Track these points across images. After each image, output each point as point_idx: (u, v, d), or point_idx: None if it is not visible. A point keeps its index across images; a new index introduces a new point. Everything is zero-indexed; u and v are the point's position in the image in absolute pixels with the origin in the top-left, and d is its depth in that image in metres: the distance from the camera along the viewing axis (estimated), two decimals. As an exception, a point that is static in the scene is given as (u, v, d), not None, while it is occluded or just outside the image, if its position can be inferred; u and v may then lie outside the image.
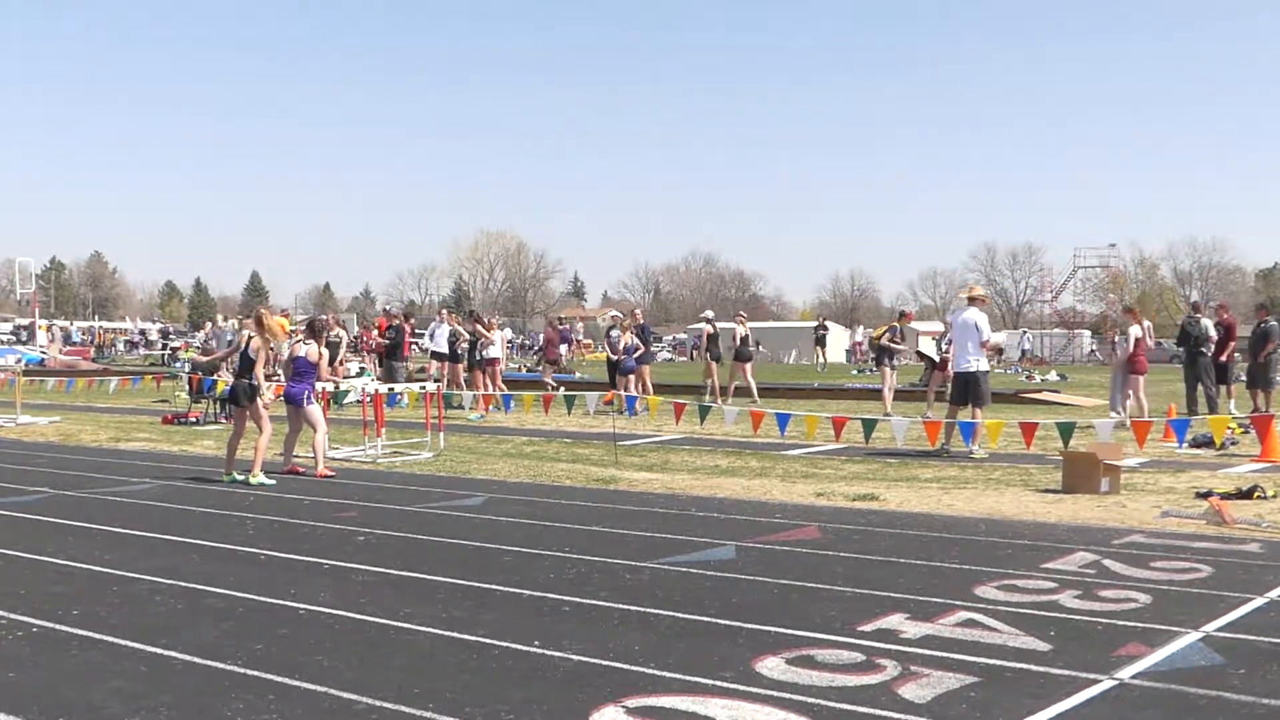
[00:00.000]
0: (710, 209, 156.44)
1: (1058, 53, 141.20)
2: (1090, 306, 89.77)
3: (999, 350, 54.06)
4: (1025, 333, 61.96)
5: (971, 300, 15.40)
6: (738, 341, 24.53)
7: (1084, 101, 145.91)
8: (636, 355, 23.17)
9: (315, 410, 13.56)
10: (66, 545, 9.03)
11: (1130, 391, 18.42)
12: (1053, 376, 36.69)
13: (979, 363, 14.90)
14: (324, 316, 20.75)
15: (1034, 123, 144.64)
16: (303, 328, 25.89)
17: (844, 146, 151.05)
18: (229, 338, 26.11)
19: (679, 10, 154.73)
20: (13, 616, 6.67)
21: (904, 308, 30.11)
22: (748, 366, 24.35)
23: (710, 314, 27.19)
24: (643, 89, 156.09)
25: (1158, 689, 5.13)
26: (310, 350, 13.69)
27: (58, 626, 6.45)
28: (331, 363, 26.96)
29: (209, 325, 31.13)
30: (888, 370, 21.54)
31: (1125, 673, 5.36)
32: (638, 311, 25.31)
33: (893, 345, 21.54)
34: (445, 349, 24.26)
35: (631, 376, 22.89)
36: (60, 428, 20.52)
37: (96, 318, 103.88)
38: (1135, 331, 18.60)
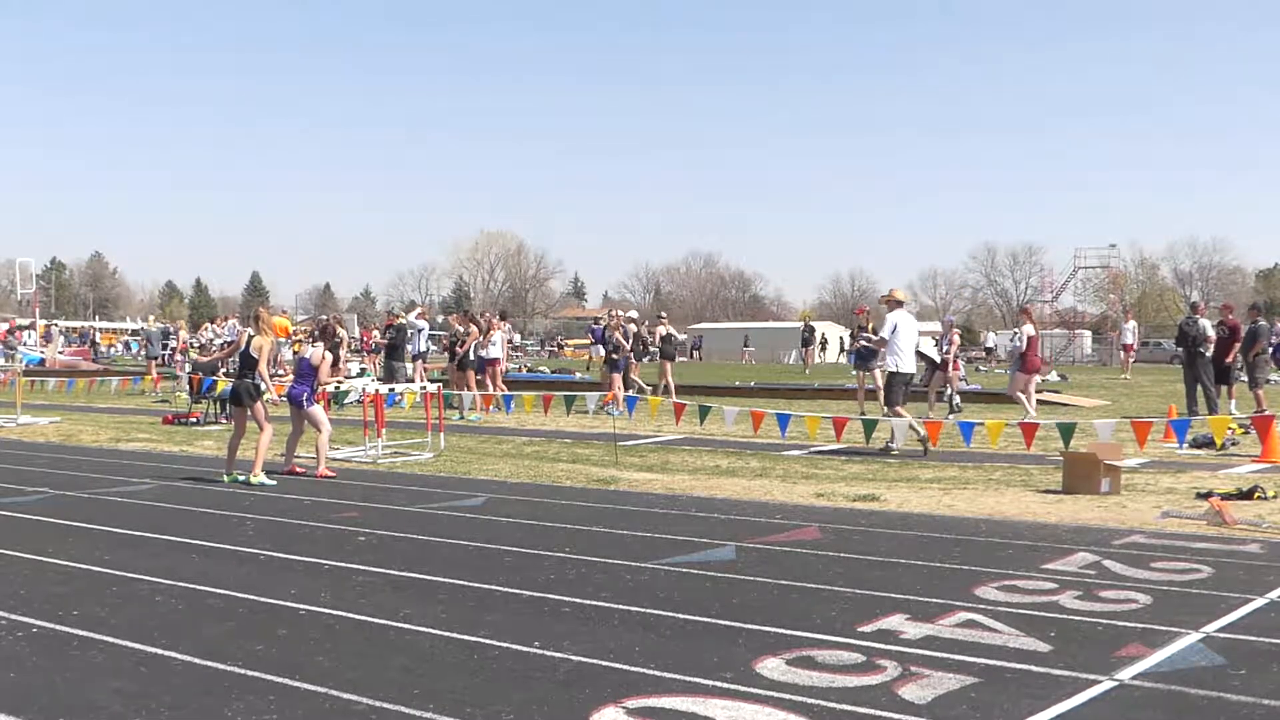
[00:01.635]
0: (710, 209, 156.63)
1: (1058, 52, 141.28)
2: (1091, 307, 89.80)
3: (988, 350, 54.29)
4: (1015, 334, 62.09)
5: (900, 304, 15.80)
6: (660, 341, 25.67)
7: (1084, 101, 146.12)
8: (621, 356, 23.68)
9: (317, 410, 13.57)
10: (67, 545, 9.03)
11: (1025, 389, 18.93)
12: (1053, 377, 36.67)
13: None
14: (324, 317, 20.75)
15: (1034, 122, 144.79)
16: (305, 330, 25.97)
17: (844, 146, 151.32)
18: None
19: (679, 10, 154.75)
20: (13, 617, 6.67)
21: (863, 305, 30.44)
22: (669, 365, 25.37)
23: (634, 314, 28.01)
24: (643, 89, 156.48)
25: (1158, 690, 5.13)
26: (314, 353, 13.71)
27: (58, 627, 6.45)
28: (334, 363, 27.08)
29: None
30: (862, 372, 21.66)
31: (1126, 673, 5.36)
32: (619, 313, 25.89)
33: (861, 345, 21.67)
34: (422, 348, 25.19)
35: (617, 375, 23.28)
36: (60, 428, 20.52)
37: (97, 318, 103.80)
38: (1028, 330, 19.05)
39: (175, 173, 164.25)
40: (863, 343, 21.53)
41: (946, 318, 21.14)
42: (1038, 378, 19.53)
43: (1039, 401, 23.86)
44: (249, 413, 13.09)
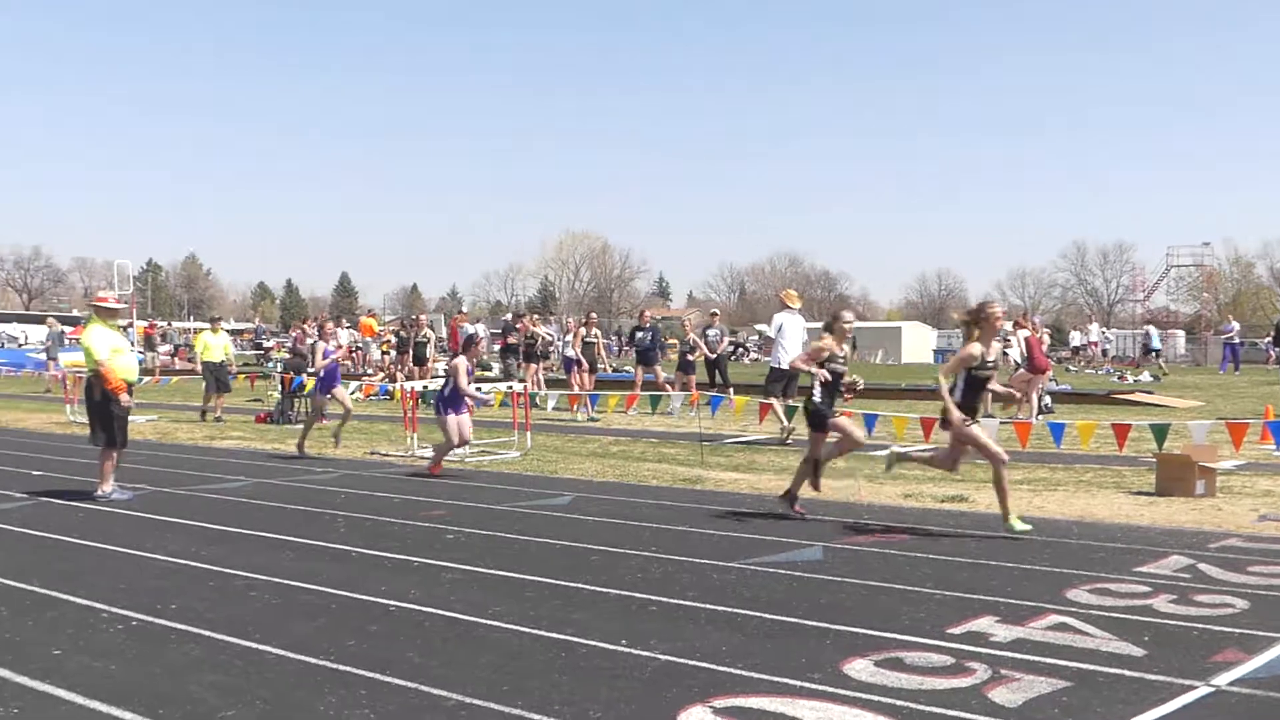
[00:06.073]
0: (796, 208, 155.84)
1: (1154, 50, 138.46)
2: (1184, 306, 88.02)
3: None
4: (1103, 331, 60.56)
5: (789, 307, 17.17)
6: (538, 343, 26.89)
7: (1175, 98, 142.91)
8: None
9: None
10: (165, 541, 9.25)
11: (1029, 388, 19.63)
12: (1145, 377, 35.96)
13: None
14: (415, 316, 21.24)
15: (1126, 120, 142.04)
16: (392, 329, 26.56)
17: (932, 144, 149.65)
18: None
19: (760, 10, 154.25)
20: (114, 610, 6.85)
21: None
22: (535, 367, 26.48)
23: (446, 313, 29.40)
24: (733, 91, 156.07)
25: (1256, 696, 5.02)
26: (456, 363, 14.62)
27: (156, 620, 6.62)
28: (420, 362, 27.48)
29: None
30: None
31: (1222, 679, 5.26)
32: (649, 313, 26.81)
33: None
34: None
35: (659, 367, 24.47)
36: (157, 426, 20.97)
37: (191, 318, 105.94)
38: (1024, 333, 19.92)
39: (268, 177, 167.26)
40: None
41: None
42: (1042, 382, 20.43)
43: (1129, 402, 23.50)
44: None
